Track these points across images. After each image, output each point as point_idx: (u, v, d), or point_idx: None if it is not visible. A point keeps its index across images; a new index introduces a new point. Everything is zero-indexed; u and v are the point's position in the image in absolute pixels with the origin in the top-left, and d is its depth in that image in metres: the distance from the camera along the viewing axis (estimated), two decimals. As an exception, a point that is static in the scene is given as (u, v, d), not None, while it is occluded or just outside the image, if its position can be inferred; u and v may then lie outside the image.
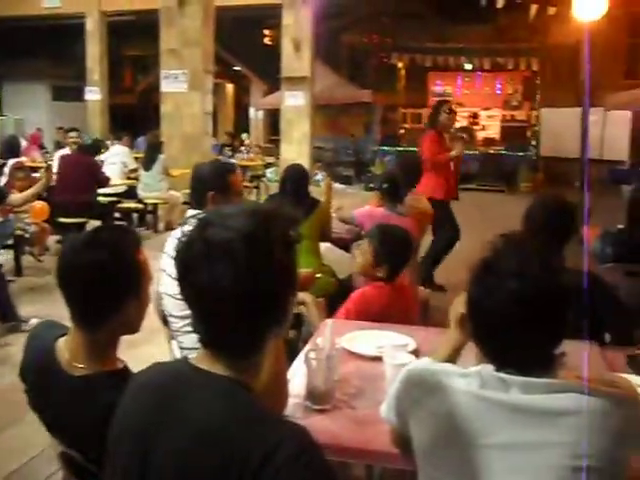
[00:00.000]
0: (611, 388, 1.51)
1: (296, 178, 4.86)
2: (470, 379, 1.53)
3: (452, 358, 1.94)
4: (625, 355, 2.55)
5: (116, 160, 10.33)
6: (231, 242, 1.31)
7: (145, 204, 10.19)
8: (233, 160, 13.87)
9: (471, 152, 17.37)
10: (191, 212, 3.25)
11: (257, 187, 13.69)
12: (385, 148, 18.34)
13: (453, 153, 6.97)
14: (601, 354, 2.65)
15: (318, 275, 3.96)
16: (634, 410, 1.52)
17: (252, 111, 21.49)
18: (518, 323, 1.50)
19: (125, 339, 1.93)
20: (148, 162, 10.03)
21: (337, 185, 15.64)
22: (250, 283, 1.31)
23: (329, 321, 2.31)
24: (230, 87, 24.60)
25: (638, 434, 1.53)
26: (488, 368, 1.54)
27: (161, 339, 3.44)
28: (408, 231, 3.60)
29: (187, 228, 1.39)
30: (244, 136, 18.41)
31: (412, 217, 4.96)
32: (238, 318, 1.33)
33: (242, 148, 15.55)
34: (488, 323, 1.56)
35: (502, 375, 1.51)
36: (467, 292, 1.60)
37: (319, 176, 5.00)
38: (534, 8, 12.91)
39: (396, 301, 3.27)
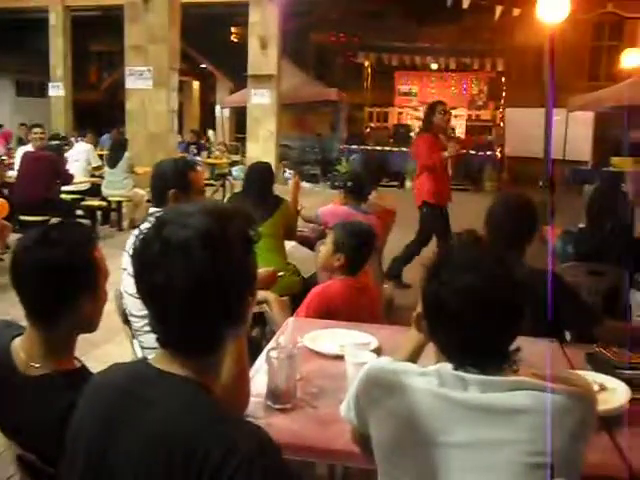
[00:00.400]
0: (568, 386, 1.52)
1: (260, 176, 4.84)
2: (429, 378, 1.53)
3: (413, 357, 1.94)
4: (584, 352, 2.58)
5: (80, 157, 10.19)
6: (188, 240, 1.29)
7: (109, 202, 10.08)
8: (199, 158, 13.80)
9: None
10: (152, 210, 3.22)
11: (223, 185, 13.61)
12: (351, 147, 18.38)
13: (446, 153, 6.85)
14: (561, 351, 2.69)
15: (281, 273, 3.94)
16: (590, 407, 1.53)
17: (218, 109, 21.35)
18: (471, 318, 1.51)
19: (86, 339, 1.91)
20: (113, 160, 9.92)
21: (303, 184, 15.65)
22: (207, 282, 1.30)
23: (291, 320, 2.30)
24: (196, 85, 24.45)
25: (591, 430, 1.55)
26: (446, 366, 1.54)
27: (123, 338, 3.40)
28: (371, 231, 3.61)
29: (145, 226, 1.37)
30: (210, 134, 18.30)
31: (376, 215, 4.99)
32: (195, 317, 1.31)
33: (208, 145, 15.47)
34: (442, 319, 1.56)
35: (460, 373, 1.51)
36: (421, 288, 1.61)
37: (287, 174, 5.00)
38: (499, 9, 13.00)
39: (358, 298, 3.28)
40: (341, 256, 3.31)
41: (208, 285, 1.30)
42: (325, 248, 3.41)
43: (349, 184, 4.97)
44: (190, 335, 1.34)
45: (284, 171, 4.98)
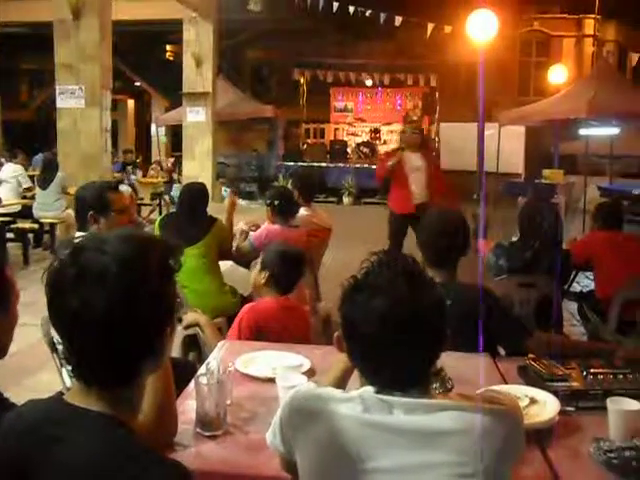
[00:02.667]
0: (493, 404, 1.52)
1: (193, 197, 4.79)
2: (352, 403, 1.51)
3: (340, 380, 1.92)
4: (517, 366, 2.61)
5: (10, 179, 9.95)
6: (105, 267, 1.26)
7: (41, 224, 9.84)
8: (134, 177, 13.62)
9: (373, 167, 17.66)
10: (78, 234, 3.16)
11: (159, 205, 13.46)
12: (288, 163, 18.39)
13: (389, 163, 7.42)
14: (494, 366, 2.71)
15: None
16: (515, 425, 1.53)
17: (154, 127, 21.15)
18: (388, 342, 1.49)
19: (18, 367, 1.83)
20: (44, 181, 9.70)
21: (240, 201, 15.60)
22: (123, 311, 1.26)
23: (221, 343, 2.25)
24: (131, 103, 24.19)
25: (519, 447, 1.55)
26: (369, 390, 1.52)
27: (57, 364, 3.30)
28: (297, 249, 3.61)
29: (61, 252, 1.33)
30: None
31: (308, 231, 5.01)
32: (109, 348, 1.27)
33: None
34: (361, 342, 1.55)
35: (384, 397, 1.49)
36: (339, 311, 1.59)
37: (224, 192, 4.98)
38: (430, 27, 13.23)
39: (288, 317, 3.27)
40: (266, 273, 3.33)
41: (124, 314, 1.26)
42: (254, 270, 3.42)
43: (276, 202, 4.96)
44: (104, 367, 1.29)
45: (222, 189, 4.97)
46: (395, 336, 1.49)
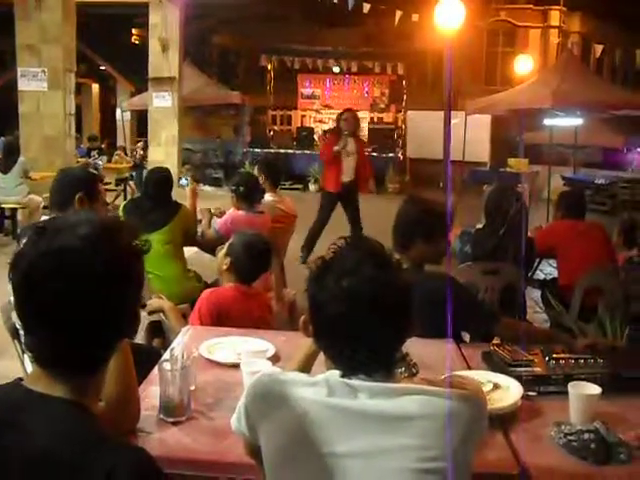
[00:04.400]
0: (456, 389, 1.53)
1: (158, 182, 4.74)
2: (317, 388, 1.51)
3: (305, 365, 1.92)
4: (481, 352, 2.63)
5: (-31, 163, 9.73)
6: (82, 251, 1.24)
7: (2, 209, 9.67)
8: (100, 162, 13.44)
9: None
10: (47, 216, 3.10)
11: (124, 190, 13.31)
12: (254, 150, 18.30)
13: (335, 148, 8.17)
14: (458, 352, 2.73)
15: None
16: (478, 409, 1.55)
17: (119, 112, 20.89)
18: (355, 322, 1.50)
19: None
20: (5, 165, 9.50)
21: (207, 187, 15.50)
22: (99, 295, 1.25)
23: (185, 329, 2.24)
24: (96, 87, 23.85)
25: (482, 431, 1.56)
26: (334, 374, 1.53)
27: (15, 353, 3.24)
28: (265, 241, 3.58)
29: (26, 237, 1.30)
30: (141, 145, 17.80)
31: (274, 217, 5.01)
32: (82, 332, 1.26)
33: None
34: (324, 324, 1.56)
35: (348, 381, 1.50)
36: (306, 292, 1.59)
37: (183, 180, 4.94)
38: (398, 14, 13.23)
39: (248, 304, 3.27)
40: (228, 260, 3.32)
41: (100, 298, 1.25)
42: (219, 260, 3.40)
43: (240, 188, 4.93)
44: (74, 351, 1.27)
45: (179, 178, 4.91)
46: (362, 316, 1.49)
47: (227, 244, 3.42)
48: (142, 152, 15.73)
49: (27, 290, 1.26)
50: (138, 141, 18.57)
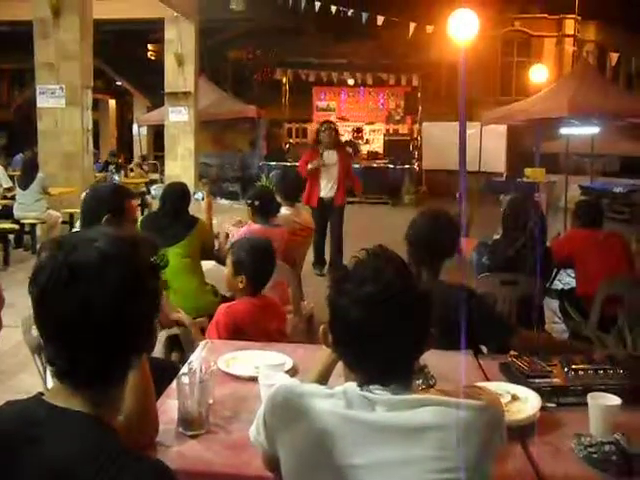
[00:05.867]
0: (473, 399, 1.53)
1: (175, 196, 4.78)
2: (335, 400, 1.51)
3: (323, 376, 1.92)
4: (498, 363, 2.62)
5: (-11, 179, 9.87)
6: (99, 265, 1.26)
7: (22, 224, 9.76)
8: (116, 177, 13.55)
9: (356, 166, 17.67)
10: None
11: (140, 205, 13.39)
12: (271, 163, 18.36)
13: (309, 166, 8.01)
14: (476, 363, 2.72)
15: None
16: (496, 420, 1.54)
17: (135, 127, 21.04)
18: (375, 330, 1.51)
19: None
20: (25, 181, 9.62)
21: (223, 201, 15.55)
22: (119, 308, 1.26)
23: (203, 343, 2.25)
24: (112, 103, 24.06)
25: (500, 442, 1.56)
26: (352, 386, 1.53)
27: (39, 366, 3.26)
28: (269, 242, 3.56)
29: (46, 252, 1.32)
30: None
31: (290, 230, 5.01)
32: (103, 347, 1.27)
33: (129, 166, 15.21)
34: (344, 332, 1.57)
35: (366, 394, 1.50)
36: (327, 301, 1.61)
37: (199, 194, 4.96)
38: (412, 26, 13.25)
39: (263, 316, 3.25)
40: (243, 278, 3.26)
41: (119, 312, 1.26)
42: (227, 269, 3.34)
43: (256, 202, 4.94)
44: (96, 366, 1.28)
45: (194, 192, 4.94)
46: (381, 324, 1.51)
47: (229, 260, 3.35)
48: (146, 168, 15.78)
49: (45, 303, 1.28)
50: (156, 156, 18.69)
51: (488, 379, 2.52)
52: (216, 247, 4.99)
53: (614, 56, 14.12)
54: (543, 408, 2.19)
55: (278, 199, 5.41)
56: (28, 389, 1.45)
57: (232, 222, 5.33)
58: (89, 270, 1.25)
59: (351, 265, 1.62)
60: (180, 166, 14.59)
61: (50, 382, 3.06)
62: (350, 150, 19.04)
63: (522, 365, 2.47)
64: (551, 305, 5.92)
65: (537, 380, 2.36)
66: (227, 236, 5.18)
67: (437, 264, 3.11)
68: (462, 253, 4.80)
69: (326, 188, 8.16)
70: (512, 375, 2.48)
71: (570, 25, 20.59)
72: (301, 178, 6.73)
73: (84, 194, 3.52)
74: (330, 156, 8.15)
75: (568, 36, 20.67)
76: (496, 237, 4.87)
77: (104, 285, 1.24)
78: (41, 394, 1.35)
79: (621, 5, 17.61)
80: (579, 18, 20.12)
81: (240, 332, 3.08)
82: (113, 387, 1.35)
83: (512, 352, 2.63)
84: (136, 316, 1.30)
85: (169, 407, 2.18)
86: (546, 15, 20.61)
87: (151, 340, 1.39)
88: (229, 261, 3.34)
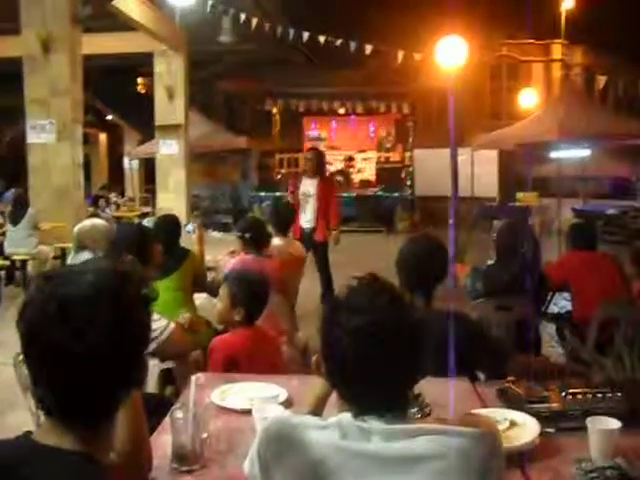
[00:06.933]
0: (470, 427, 1.51)
1: (167, 229, 4.78)
2: (330, 430, 1.50)
3: (317, 408, 1.90)
4: (496, 389, 2.60)
5: (-21, 216, 9.85)
6: (88, 299, 1.24)
7: (13, 261, 9.73)
8: (108, 211, 13.55)
9: (348, 195, 17.71)
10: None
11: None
12: (262, 194, 18.40)
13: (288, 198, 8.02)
14: (473, 389, 2.70)
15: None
16: (493, 446, 1.53)
17: (126, 161, 21.10)
18: (368, 361, 1.50)
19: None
20: (15, 216, 9.61)
21: (215, 233, 15.54)
22: (109, 342, 1.25)
23: (195, 377, 2.24)
24: (103, 137, 24.13)
25: (499, 469, 1.54)
26: (347, 417, 1.52)
27: (31, 404, 3.23)
28: (263, 273, 3.58)
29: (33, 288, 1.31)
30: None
31: (282, 261, 5.01)
32: (94, 382, 1.25)
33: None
34: (340, 363, 1.55)
35: (361, 424, 1.49)
36: (319, 331, 1.60)
37: (190, 226, 4.95)
38: (401, 54, 13.38)
39: (258, 348, 3.24)
40: (241, 309, 3.26)
41: (110, 345, 1.25)
42: (221, 303, 3.34)
43: (247, 235, 4.93)
44: (86, 402, 1.27)
45: (186, 224, 4.94)
46: (375, 355, 1.50)
47: (224, 293, 3.34)
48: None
49: (31, 338, 1.27)
50: (147, 190, 18.70)
51: (485, 405, 2.51)
52: (210, 279, 4.99)
53: (602, 79, 14.26)
54: (542, 433, 2.18)
55: (269, 230, 5.41)
56: (20, 426, 1.43)
57: (226, 252, 5.32)
58: (78, 304, 1.24)
59: (343, 294, 1.61)
60: (172, 198, 14.61)
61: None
62: (340, 179, 19.26)
63: (519, 390, 2.46)
64: (547, 329, 5.91)
65: (535, 405, 2.35)
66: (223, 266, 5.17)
67: (429, 290, 3.10)
68: (456, 279, 4.80)
69: (305, 219, 7.86)
70: (510, 401, 2.46)
71: (557, 49, 20.82)
72: (292, 208, 6.64)
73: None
74: (308, 185, 7.91)
75: (555, 60, 20.89)
76: (490, 262, 4.87)
77: (93, 319, 1.23)
78: (29, 432, 1.33)
79: (607, 29, 17.84)
80: (566, 42, 20.36)
81: (236, 364, 3.07)
82: (104, 423, 1.33)
83: (509, 378, 2.62)
84: (126, 350, 1.29)
85: (163, 442, 2.16)
86: (533, 40, 20.85)
87: (141, 374, 1.39)
88: (223, 293, 3.33)
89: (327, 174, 10.47)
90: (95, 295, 1.25)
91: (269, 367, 3.12)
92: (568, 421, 2.28)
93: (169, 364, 3.86)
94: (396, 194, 18.24)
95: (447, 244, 3.44)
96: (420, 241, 3.32)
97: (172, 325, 3.43)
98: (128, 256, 3.16)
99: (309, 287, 8.01)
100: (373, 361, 1.50)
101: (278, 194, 17.97)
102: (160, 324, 3.33)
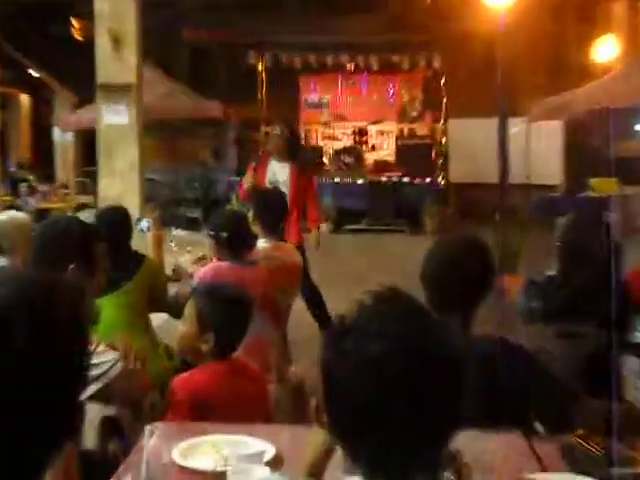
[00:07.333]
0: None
1: (112, 227, 4.78)
2: None
3: (315, 469, 1.91)
4: (559, 446, 2.61)
5: None
6: (5, 314, 1.25)
7: None
8: (32, 200, 13.57)
9: (358, 181, 17.71)
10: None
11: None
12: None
13: (245, 186, 7.78)
14: (528, 446, 2.71)
15: None
16: None
17: (57, 132, 21.11)
18: (386, 408, 1.50)
19: None
20: None
21: (179, 232, 15.55)
22: (23, 379, 1.25)
23: (149, 427, 2.24)
24: (25, 99, 24.13)
25: None
26: None
27: None
28: (244, 286, 3.58)
29: None
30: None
31: (270, 269, 5.05)
32: (3, 434, 1.25)
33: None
34: (345, 408, 1.55)
35: None
36: (320, 364, 1.60)
37: (144, 224, 4.92)
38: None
39: (236, 388, 3.25)
40: (211, 336, 3.27)
41: (27, 384, 1.25)
42: (185, 326, 3.34)
43: (223, 234, 4.91)
44: (5, 454, 1.27)
45: (139, 219, 4.91)
46: (396, 397, 1.49)
47: (189, 312, 3.37)
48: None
49: None
50: (85, 172, 18.71)
51: (545, 469, 2.51)
52: (171, 294, 5.00)
53: None
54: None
55: (254, 228, 5.42)
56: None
57: (193, 258, 5.33)
58: None
59: (352, 315, 1.60)
60: (119, 185, 14.60)
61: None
62: (348, 161, 19.20)
63: (593, 449, 2.47)
64: (631, 364, 5.91)
65: (616, 470, 2.35)
66: (191, 276, 5.18)
67: (468, 311, 3.10)
68: (504, 296, 4.81)
69: None
70: (579, 463, 2.47)
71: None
72: (286, 200, 6.57)
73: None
74: (277, 171, 7.91)
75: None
76: (551, 274, 4.87)
77: (3, 348, 1.24)
78: None
79: None
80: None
81: (205, 410, 3.07)
82: None
83: (578, 431, 2.62)
84: (51, 390, 1.29)
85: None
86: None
87: (73, 424, 1.38)
88: (189, 313, 3.34)
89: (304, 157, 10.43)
90: (8, 314, 1.25)
91: (250, 414, 3.13)
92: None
93: (114, 409, 3.86)
94: (423, 180, 18.22)
95: (492, 248, 3.45)
96: (455, 244, 3.32)
97: (122, 358, 3.42)
98: (63, 263, 3.15)
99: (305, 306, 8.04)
100: (393, 406, 1.49)
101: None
102: (106, 357, 3.33)
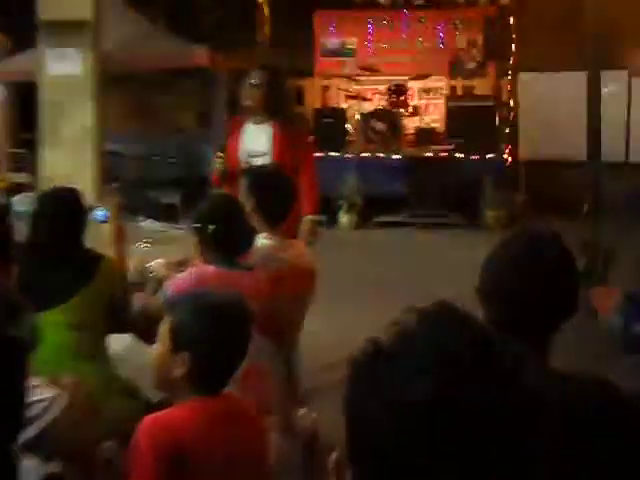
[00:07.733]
0: None
1: (59, 215, 4.81)
2: None
3: None
4: None
5: None
6: None
7: None
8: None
9: (394, 157, 17.69)
10: None
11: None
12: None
13: (217, 166, 7.60)
14: None
15: None
16: None
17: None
18: (432, 463, 1.49)
19: None
20: None
21: (149, 223, 15.62)
22: None
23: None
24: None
25: None
26: None
27: None
28: (239, 297, 3.58)
29: None
30: None
31: (273, 276, 5.10)
32: None
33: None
34: (378, 467, 1.54)
35: None
36: (344, 405, 1.59)
37: (100, 212, 4.95)
38: None
39: (227, 436, 3.26)
40: (185, 356, 3.27)
41: None
42: (160, 348, 3.36)
43: (210, 227, 4.89)
44: None
45: (96, 206, 4.92)
46: (448, 450, 1.48)
47: (164, 329, 3.37)
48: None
49: None
50: (24, 140, 18.82)
51: None
52: (137, 308, 5.02)
53: None
54: None
55: (253, 220, 5.42)
56: None
57: (168, 260, 5.36)
58: None
59: (389, 340, 1.60)
60: (69, 158, 14.68)
61: None
62: (380, 127, 19.17)
63: None
64: None
65: None
66: (160, 283, 5.20)
67: (543, 335, 3.09)
68: (594, 314, 4.81)
69: None
70: None
71: None
72: (292, 181, 6.47)
73: None
74: (256, 136, 7.72)
75: None
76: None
77: None
78: None
79: None
80: None
81: (182, 466, 3.07)
82: None
83: None
84: None
85: None
86: None
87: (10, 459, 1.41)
88: (164, 331, 3.36)
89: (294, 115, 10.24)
90: None
91: (245, 472, 3.12)
92: None
93: (59, 466, 3.89)
94: (484, 157, 18.19)
95: (576, 250, 3.44)
96: (525, 244, 3.30)
97: (65, 396, 3.45)
98: None
99: (322, 323, 8.04)
100: (443, 465, 1.49)
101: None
102: (44, 394, 3.36)
